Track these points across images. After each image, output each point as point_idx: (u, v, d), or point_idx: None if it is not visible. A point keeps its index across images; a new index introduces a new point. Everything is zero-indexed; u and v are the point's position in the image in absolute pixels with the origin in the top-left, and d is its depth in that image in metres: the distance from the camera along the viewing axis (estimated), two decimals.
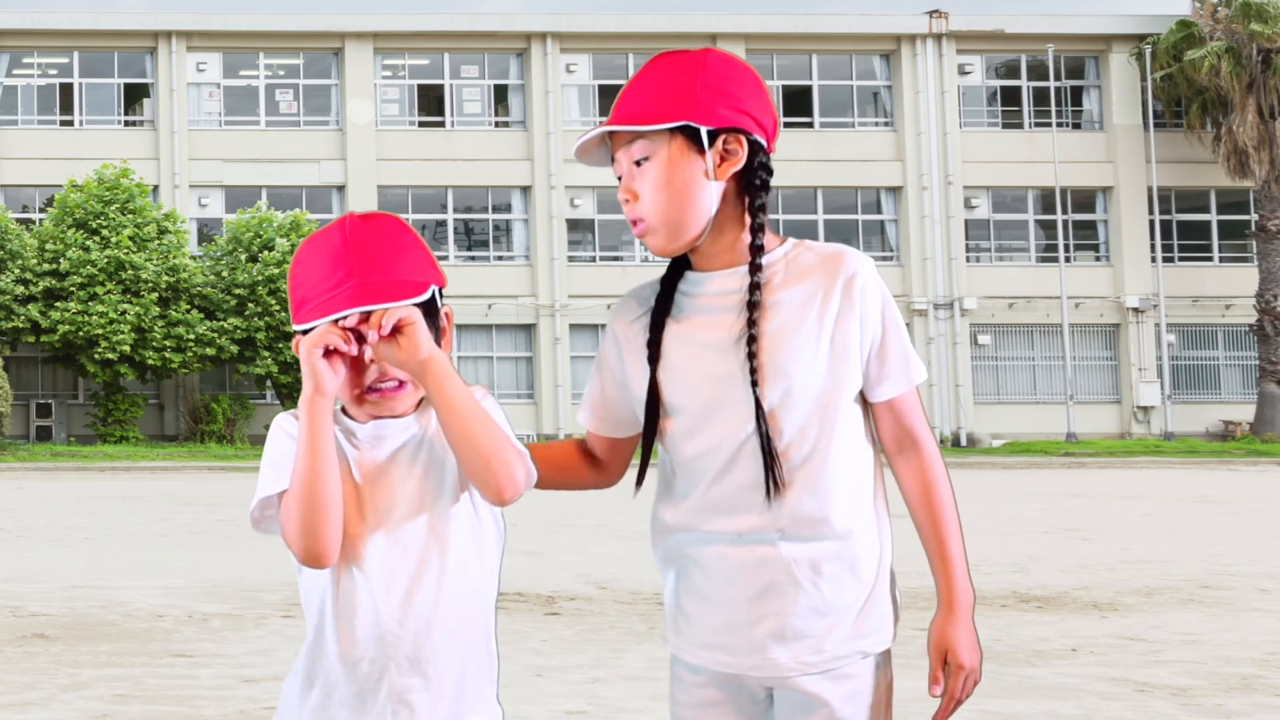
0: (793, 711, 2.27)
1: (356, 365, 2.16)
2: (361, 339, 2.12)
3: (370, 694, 2.16)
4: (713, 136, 2.18)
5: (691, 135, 2.17)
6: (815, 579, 2.22)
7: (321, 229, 2.22)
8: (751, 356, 2.18)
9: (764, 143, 2.23)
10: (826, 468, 2.20)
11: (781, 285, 2.21)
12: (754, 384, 2.18)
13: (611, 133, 2.23)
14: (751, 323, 2.18)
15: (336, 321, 2.11)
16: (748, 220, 2.22)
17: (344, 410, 2.24)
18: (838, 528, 2.22)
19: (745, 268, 2.21)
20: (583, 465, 2.41)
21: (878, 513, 2.28)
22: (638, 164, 2.20)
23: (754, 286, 2.19)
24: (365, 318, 2.12)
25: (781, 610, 2.22)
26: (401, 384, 2.17)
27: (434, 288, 2.18)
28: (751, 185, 2.21)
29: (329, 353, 2.12)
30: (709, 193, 2.19)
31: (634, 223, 2.22)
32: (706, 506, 2.24)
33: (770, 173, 2.23)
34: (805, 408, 2.19)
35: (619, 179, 2.23)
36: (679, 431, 2.26)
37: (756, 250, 2.20)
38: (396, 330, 2.09)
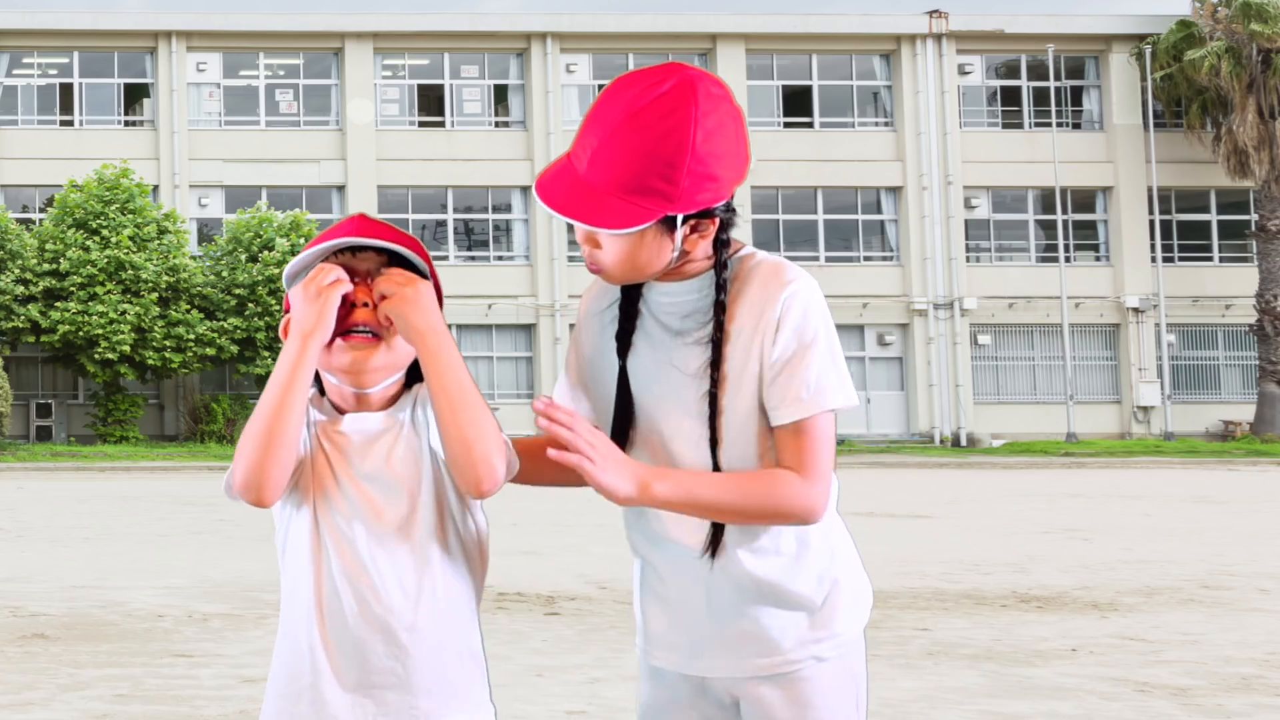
0: (757, 718, 2.25)
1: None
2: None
3: (351, 689, 2.15)
4: (688, 217, 2.14)
5: (667, 219, 2.12)
6: (767, 585, 2.21)
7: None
8: (714, 383, 2.17)
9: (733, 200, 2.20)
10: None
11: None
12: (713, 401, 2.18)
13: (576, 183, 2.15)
14: (714, 362, 2.17)
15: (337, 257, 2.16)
16: (713, 257, 2.19)
17: (321, 393, 2.24)
18: (785, 540, 2.21)
19: (696, 281, 2.20)
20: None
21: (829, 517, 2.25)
22: None
23: (719, 324, 2.17)
24: (357, 284, 2.16)
25: (738, 614, 2.22)
26: (376, 337, 2.16)
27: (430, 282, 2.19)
28: (718, 240, 2.18)
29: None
30: (672, 256, 2.16)
31: (594, 268, 2.19)
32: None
33: (734, 213, 2.20)
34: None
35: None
36: (639, 429, 2.26)
37: (721, 287, 2.17)
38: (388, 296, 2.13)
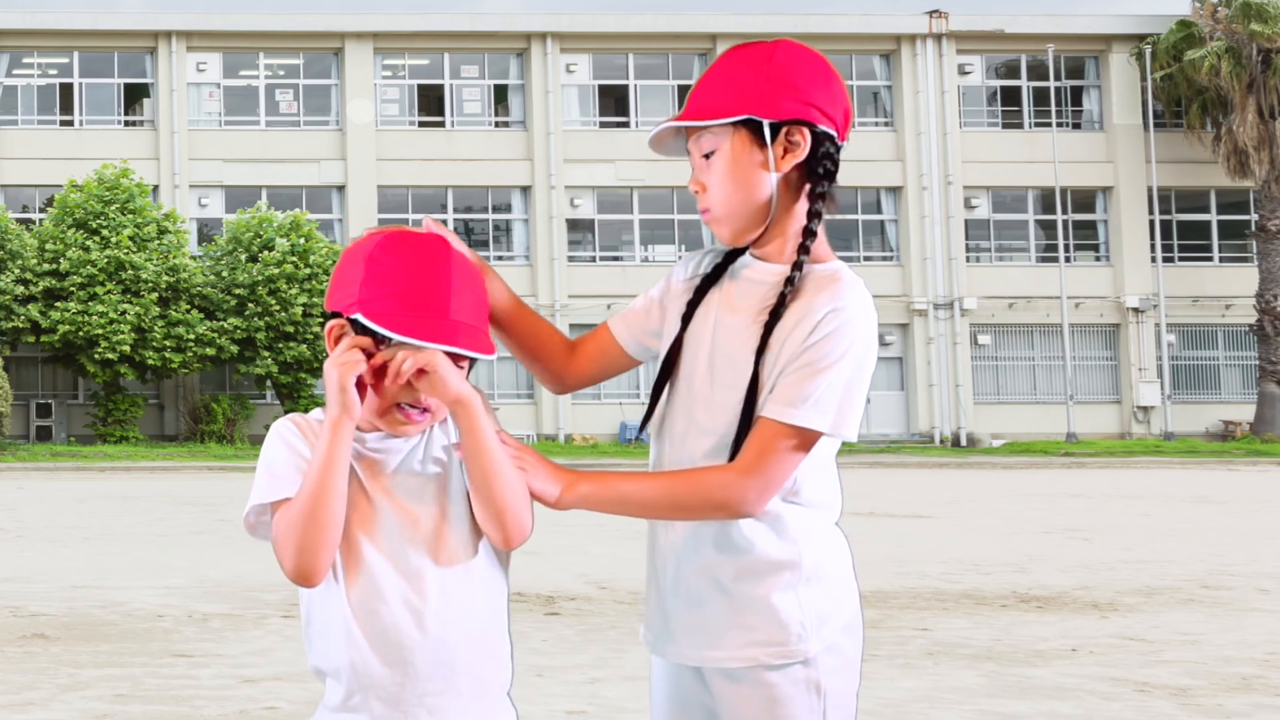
0: (724, 715, 2.23)
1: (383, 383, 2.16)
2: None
3: (395, 700, 2.16)
4: (775, 129, 2.18)
5: (755, 129, 2.18)
6: (724, 573, 2.19)
7: (414, 234, 2.19)
8: (768, 327, 2.18)
9: (832, 133, 2.21)
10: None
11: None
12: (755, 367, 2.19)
13: (684, 126, 2.25)
14: (772, 318, 2.17)
15: (379, 346, 2.12)
16: (805, 206, 2.21)
17: None
18: (751, 531, 2.18)
19: (780, 267, 2.21)
20: (556, 351, 2.41)
21: (804, 522, 2.20)
22: (706, 157, 2.22)
23: (789, 280, 2.17)
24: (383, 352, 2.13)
25: (688, 596, 2.22)
26: (426, 410, 2.18)
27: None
28: (815, 174, 2.20)
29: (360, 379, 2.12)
30: (771, 184, 2.19)
31: (703, 212, 2.26)
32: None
33: (837, 164, 2.22)
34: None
35: (693, 168, 2.26)
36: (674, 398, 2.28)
37: (808, 233, 2.18)
38: (421, 372, 2.11)
